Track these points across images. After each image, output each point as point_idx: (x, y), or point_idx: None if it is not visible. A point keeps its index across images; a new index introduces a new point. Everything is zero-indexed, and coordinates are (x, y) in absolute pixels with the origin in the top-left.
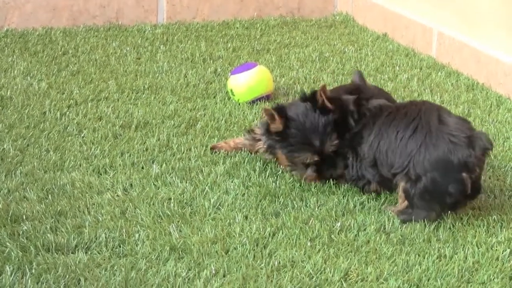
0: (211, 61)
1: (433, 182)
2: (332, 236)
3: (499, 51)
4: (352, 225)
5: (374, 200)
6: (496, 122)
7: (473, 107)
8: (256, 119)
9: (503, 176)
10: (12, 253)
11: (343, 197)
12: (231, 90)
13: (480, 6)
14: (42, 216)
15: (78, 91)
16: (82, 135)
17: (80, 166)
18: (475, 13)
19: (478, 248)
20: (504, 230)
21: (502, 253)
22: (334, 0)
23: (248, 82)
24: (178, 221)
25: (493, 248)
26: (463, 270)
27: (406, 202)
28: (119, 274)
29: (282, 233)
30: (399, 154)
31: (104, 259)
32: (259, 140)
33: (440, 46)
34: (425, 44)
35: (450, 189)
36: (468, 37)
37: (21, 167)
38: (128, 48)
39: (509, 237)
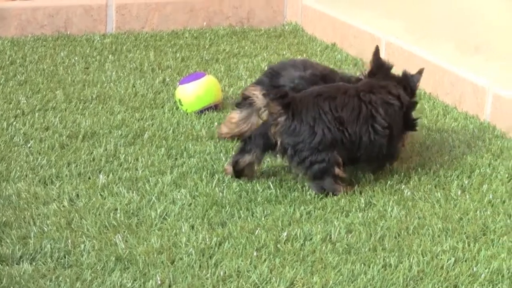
0: (160, 71)
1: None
2: (278, 245)
3: (446, 61)
4: (298, 235)
5: (321, 209)
6: (442, 131)
7: (420, 117)
8: (204, 129)
9: (449, 185)
10: None
11: (289, 206)
12: (180, 100)
13: (428, 17)
14: None
15: (25, 101)
16: (29, 145)
17: (26, 176)
18: (423, 24)
19: (423, 257)
20: (449, 239)
21: (447, 261)
22: (283, 10)
23: (197, 92)
24: (124, 232)
25: (438, 257)
26: (408, 279)
27: None
28: (64, 285)
29: (228, 243)
30: None
31: (49, 270)
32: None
33: (389, 56)
34: None
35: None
36: (416, 47)
37: None
38: (76, 58)
39: (454, 245)
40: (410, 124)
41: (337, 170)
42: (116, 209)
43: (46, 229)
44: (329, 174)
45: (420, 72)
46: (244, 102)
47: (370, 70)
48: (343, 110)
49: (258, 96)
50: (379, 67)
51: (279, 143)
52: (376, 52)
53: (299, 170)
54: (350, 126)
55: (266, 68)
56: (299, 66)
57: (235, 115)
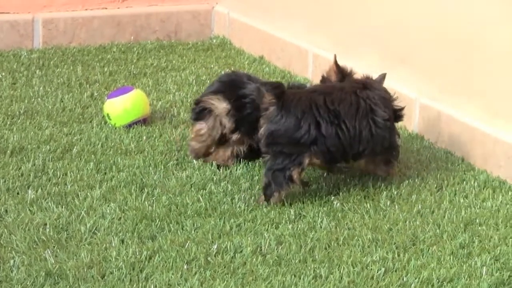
0: (88, 86)
1: None
2: (209, 258)
3: (373, 72)
4: (228, 247)
5: (251, 221)
6: None
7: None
8: (133, 143)
9: (378, 196)
10: None
11: (219, 219)
12: (108, 114)
13: (352, 30)
14: None
15: None
16: None
17: None
18: (349, 36)
19: (354, 268)
20: (379, 249)
21: (377, 272)
22: (211, 24)
23: (125, 106)
24: (54, 246)
25: (368, 267)
26: None
27: None
28: None
29: (159, 256)
30: None
31: None
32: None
33: (316, 68)
34: (302, 66)
35: None
36: (342, 59)
37: None
38: (3, 73)
39: (384, 256)
40: (397, 115)
41: (295, 173)
42: (45, 224)
43: None
44: (285, 172)
45: (383, 76)
46: (204, 112)
47: (337, 79)
48: (340, 104)
49: (217, 105)
50: (344, 74)
51: (261, 130)
52: (335, 60)
53: (265, 152)
54: (349, 120)
55: (208, 80)
56: (253, 79)
57: (203, 126)
